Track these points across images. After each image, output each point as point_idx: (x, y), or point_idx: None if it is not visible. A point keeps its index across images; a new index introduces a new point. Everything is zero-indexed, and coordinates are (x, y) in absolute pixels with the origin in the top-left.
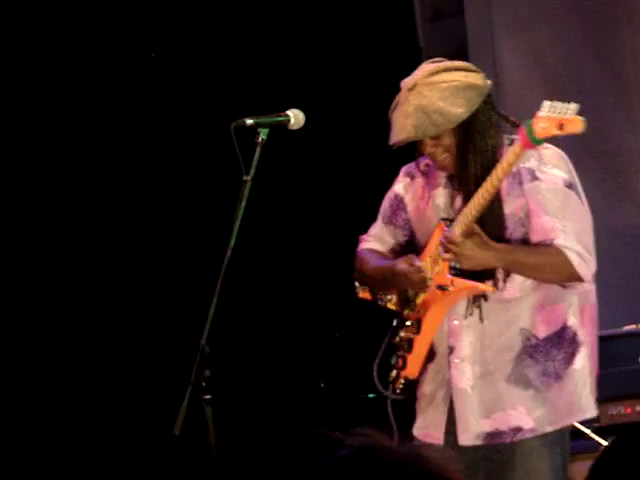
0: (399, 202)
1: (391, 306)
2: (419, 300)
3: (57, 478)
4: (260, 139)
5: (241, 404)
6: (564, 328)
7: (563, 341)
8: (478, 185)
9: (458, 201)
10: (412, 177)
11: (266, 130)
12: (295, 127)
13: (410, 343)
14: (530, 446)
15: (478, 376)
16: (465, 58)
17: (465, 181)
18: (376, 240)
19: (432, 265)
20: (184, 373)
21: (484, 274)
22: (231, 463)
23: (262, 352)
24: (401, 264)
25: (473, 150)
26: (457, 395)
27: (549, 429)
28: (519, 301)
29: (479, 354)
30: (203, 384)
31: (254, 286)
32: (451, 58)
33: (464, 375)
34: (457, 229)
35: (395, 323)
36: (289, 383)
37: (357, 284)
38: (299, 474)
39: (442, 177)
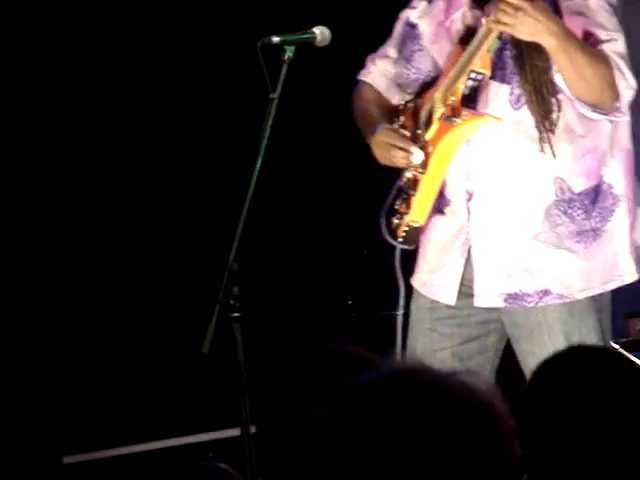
0: (411, 29)
1: None
2: (427, 136)
3: (86, 393)
4: (286, 57)
5: (270, 322)
6: (601, 180)
7: (600, 195)
8: None
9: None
10: (430, 0)
11: (292, 48)
12: (322, 44)
13: (415, 183)
14: (555, 316)
15: (501, 228)
16: None
17: None
18: (380, 71)
19: (444, 95)
20: (213, 291)
21: None
22: (259, 381)
23: (290, 269)
24: (386, 134)
25: None
26: (476, 248)
27: (580, 296)
28: (556, 142)
29: (504, 203)
30: (231, 302)
31: (282, 204)
32: None
33: (484, 225)
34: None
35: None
36: (317, 301)
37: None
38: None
39: None
